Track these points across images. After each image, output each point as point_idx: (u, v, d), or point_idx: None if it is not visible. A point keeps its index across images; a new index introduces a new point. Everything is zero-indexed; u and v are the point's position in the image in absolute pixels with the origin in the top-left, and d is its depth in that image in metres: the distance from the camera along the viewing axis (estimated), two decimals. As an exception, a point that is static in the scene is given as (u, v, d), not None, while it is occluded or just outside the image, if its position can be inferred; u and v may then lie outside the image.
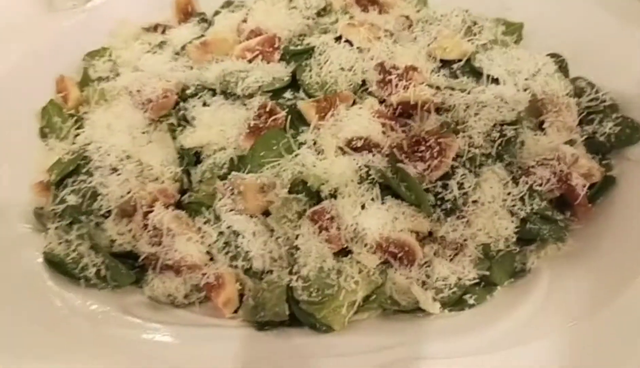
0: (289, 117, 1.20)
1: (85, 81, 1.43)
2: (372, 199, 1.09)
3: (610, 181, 1.17)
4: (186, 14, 1.60)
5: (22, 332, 0.98)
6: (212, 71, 1.31)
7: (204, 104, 1.27)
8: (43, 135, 1.34)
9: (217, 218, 1.11)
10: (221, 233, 1.10)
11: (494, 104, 1.20)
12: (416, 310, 1.02)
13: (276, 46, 1.35)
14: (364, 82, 1.29)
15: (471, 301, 1.03)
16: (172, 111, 1.28)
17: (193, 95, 1.29)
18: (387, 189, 1.11)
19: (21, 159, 1.28)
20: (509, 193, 1.11)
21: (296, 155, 1.14)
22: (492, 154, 1.15)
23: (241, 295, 1.07)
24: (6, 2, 1.54)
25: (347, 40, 1.34)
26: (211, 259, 1.10)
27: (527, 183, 1.11)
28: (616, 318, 0.93)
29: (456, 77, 1.32)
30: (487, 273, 1.05)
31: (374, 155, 1.14)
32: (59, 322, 1.02)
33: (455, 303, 1.03)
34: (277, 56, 1.34)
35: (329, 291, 1.00)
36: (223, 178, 1.15)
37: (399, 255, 1.05)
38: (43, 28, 1.49)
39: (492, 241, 1.08)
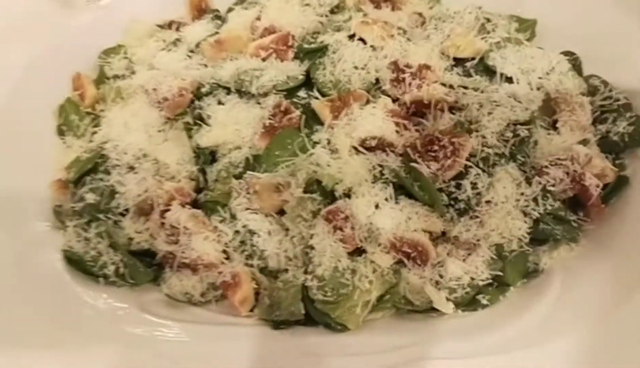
0: (304, 116, 1.21)
1: (101, 79, 1.45)
2: (386, 199, 1.10)
3: (624, 181, 1.16)
4: (200, 10, 1.61)
5: (42, 329, 1.00)
6: (226, 69, 1.32)
7: (219, 103, 1.28)
8: (60, 133, 1.36)
9: (233, 217, 1.13)
10: (237, 232, 1.11)
11: (507, 103, 1.21)
12: (430, 309, 1.04)
13: (290, 44, 1.35)
14: (377, 80, 1.29)
15: (484, 302, 1.04)
16: (187, 110, 1.29)
17: (208, 93, 1.30)
18: (401, 189, 1.12)
19: (39, 157, 1.30)
20: (522, 193, 1.11)
21: (311, 154, 1.15)
22: (505, 154, 1.16)
23: (257, 294, 1.08)
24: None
25: (360, 39, 1.34)
26: (227, 258, 1.11)
27: (540, 183, 1.12)
28: (630, 319, 0.94)
29: (469, 75, 1.32)
30: (500, 273, 1.06)
31: (387, 155, 1.15)
32: (78, 318, 1.04)
33: (469, 303, 1.04)
34: (290, 54, 1.35)
35: (344, 291, 1.02)
36: (238, 177, 1.16)
37: (413, 254, 1.06)
38: (59, 25, 1.49)
39: (505, 241, 1.09)
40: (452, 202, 1.11)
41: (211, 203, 1.16)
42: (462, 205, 1.10)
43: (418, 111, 1.22)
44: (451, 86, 1.26)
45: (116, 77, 1.44)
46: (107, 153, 1.23)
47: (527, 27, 1.49)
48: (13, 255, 1.10)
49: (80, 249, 1.12)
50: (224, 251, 1.11)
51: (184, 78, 1.32)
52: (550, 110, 1.25)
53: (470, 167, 1.12)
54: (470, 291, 1.04)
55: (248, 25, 1.46)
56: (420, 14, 1.47)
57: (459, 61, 1.35)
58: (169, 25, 1.57)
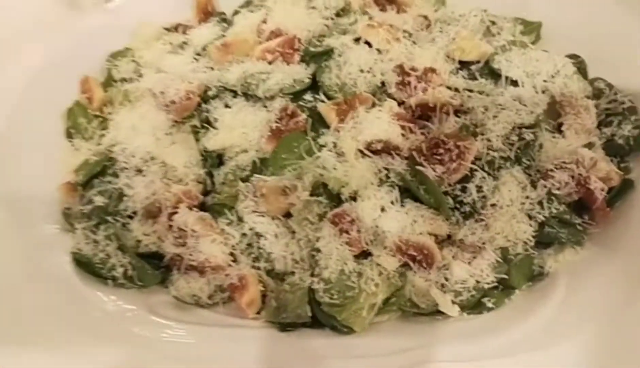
0: (310, 119, 1.22)
1: (109, 82, 1.46)
2: (392, 202, 1.11)
3: (629, 184, 1.17)
4: (206, 13, 1.61)
5: (51, 330, 1.00)
6: (233, 72, 1.33)
7: (226, 106, 1.29)
8: (69, 135, 1.37)
9: (240, 220, 1.14)
10: (244, 234, 1.12)
11: (512, 106, 1.21)
12: (435, 312, 1.04)
13: (296, 47, 1.36)
14: (383, 83, 1.30)
15: (490, 305, 1.05)
16: (194, 113, 1.30)
17: (215, 96, 1.31)
18: (407, 192, 1.13)
19: (48, 160, 1.31)
20: (527, 197, 1.12)
21: (317, 158, 1.16)
22: (510, 158, 1.16)
23: (264, 296, 1.09)
24: (28, 2, 1.56)
25: (366, 42, 1.35)
26: (234, 260, 1.12)
27: (545, 186, 1.12)
28: (636, 322, 0.94)
29: (475, 78, 1.32)
30: (506, 276, 1.06)
31: (393, 158, 1.15)
32: (87, 320, 1.05)
33: (474, 306, 1.05)
34: (297, 57, 1.35)
35: (350, 294, 1.03)
36: (245, 180, 1.17)
37: (418, 257, 1.07)
38: (66, 29, 1.51)
39: (510, 244, 1.09)
40: (458, 205, 1.11)
41: (218, 206, 1.17)
42: (467, 208, 1.11)
43: (423, 114, 1.22)
44: (456, 89, 1.27)
45: (124, 80, 1.45)
46: (115, 156, 1.24)
47: (532, 30, 1.49)
48: (23, 257, 1.11)
49: (89, 251, 1.13)
50: (231, 254, 1.12)
51: (191, 81, 1.33)
52: (555, 113, 1.25)
53: (476, 170, 1.12)
54: (476, 294, 1.04)
55: (254, 28, 1.46)
56: (425, 17, 1.47)
57: (464, 64, 1.35)
58: (176, 28, 1.58)
